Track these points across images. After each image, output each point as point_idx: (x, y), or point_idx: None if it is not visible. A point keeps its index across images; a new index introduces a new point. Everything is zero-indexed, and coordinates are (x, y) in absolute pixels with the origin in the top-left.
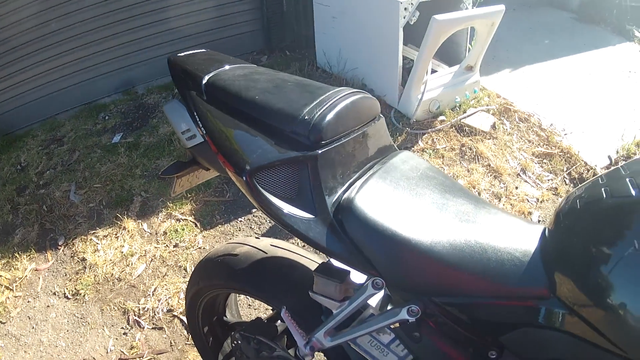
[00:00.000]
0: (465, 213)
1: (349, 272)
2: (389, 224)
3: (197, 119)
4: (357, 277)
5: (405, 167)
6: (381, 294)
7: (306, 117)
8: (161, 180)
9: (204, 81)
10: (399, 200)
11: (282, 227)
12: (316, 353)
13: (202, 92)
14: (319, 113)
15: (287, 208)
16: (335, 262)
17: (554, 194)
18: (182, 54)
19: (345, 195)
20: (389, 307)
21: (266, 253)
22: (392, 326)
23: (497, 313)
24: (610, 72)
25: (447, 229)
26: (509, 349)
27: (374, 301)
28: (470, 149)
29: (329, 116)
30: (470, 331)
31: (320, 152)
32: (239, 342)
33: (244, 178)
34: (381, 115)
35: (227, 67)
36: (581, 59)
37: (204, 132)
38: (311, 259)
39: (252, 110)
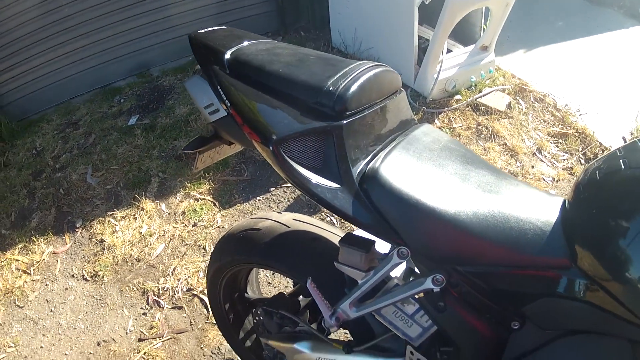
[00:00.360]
0: (488, 184)
1: (374, 242)
2: (414, 193)
3: (221, 93)
4: (382, 247)
5: (427, 139)
6: (403, 266)
7: (331, 88)
8: (179, 160)
9: (227, 56)
10: (423, 170)
11: (308, 196)
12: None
13: (225, 66)
14: (343, 84)
15: (313, 177)
16: (359, 233)
17: (569, 174)
18: (202, 31)
19: (370, 165)
20: (411, 279)
21: (289, 227)
22: (417, 296)
23: (519, 283)
24: (623, 54)
25: (470, 199)
26: (531, 319)
27: (398, 272)
28: (487, 127)
29: (353, 87)
30: (493, 301)
31: (345, 122)
32: (262, 317)
33: (271, 148)
34: (402, 89)
35: (248, 42)
36: (595, 41)
37: (229, 105)
38: (333, 232)
39: (276, 82)
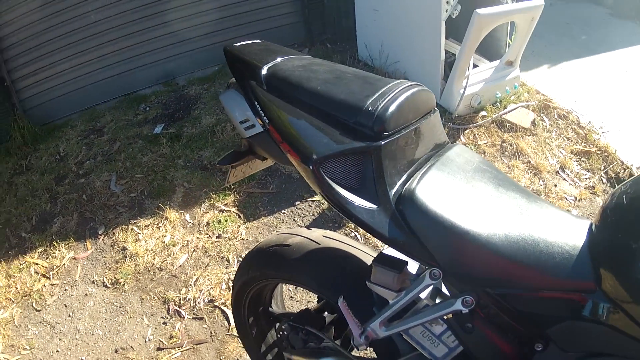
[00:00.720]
0: (519, 206)
1: (406, 262)
2: (448, 215)
3: (259, 109)
4: (414, 268)
5: (460, 160)
6: (432, 286)
7: (370, 109)
8: (204, 171)
9: (264, 71)
10: (457, 192)
11: (345, 216)
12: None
13: (261, 82)
14: (382, 104)
15: (350, 197)
16: (391, 253)
17: (591, 193)
18: (237, 44)
19: (406, 186)
20: (438, 300)
21: (319, 244)
22: (445, 317)
23: (546, 305)
24: None
25: (502, 222)
26: (554, 341)
27: (425, 293)
28: (511, 145)
29: (392, 108)
30: (520, 322)
31: (383, 143)
32: (286, 332)
33: (311, 167)
34: (436, 108)
35: (284, 57)
36: (617, 56)
37: (267, 121)
38: (363, 251)
39: (314, 100)
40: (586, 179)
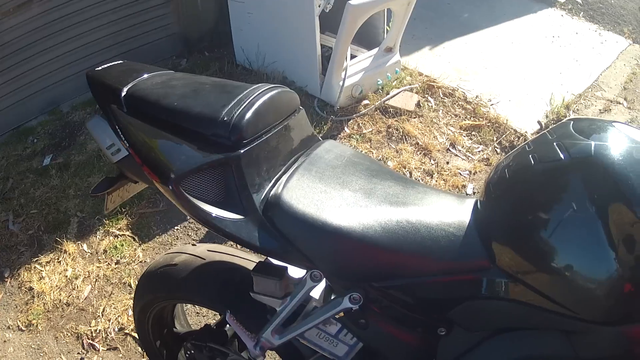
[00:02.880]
0: (394, 195)
1: (286, 268)
2: (317, 215)
3: (120, 133)
4: (296, 272)
5: (329, 157)
6: (322, 285)
7: (225, 118)
8: (94, 197)
9: (123, 93)
10: (326, 190)
11: (214, 231)
12: (270, 352)
13: (122, 104)
14: (237, 113)
15: (215, 211)
16: (273, 260)
17: (486, 165)
18: (99, 68)
19: (272, 192)
20: (332, 297)
21: (204, 259)
22: (337, 316)
23: (440, 290)
24: (533, 39)
25: (377, 213)
26: (458, 323)
27: (317, 293)
28: (397, 129)
29: (248, 114)
30: (415, 311)
31: (242, 151)
32: (192, 351)
33: (170, 187)
34: (301, 107)
35: (145, 75)
36: (503, 29)
37: (127, 145)
38: (250, 259)
39: (172, 117)
40: (479, 152)
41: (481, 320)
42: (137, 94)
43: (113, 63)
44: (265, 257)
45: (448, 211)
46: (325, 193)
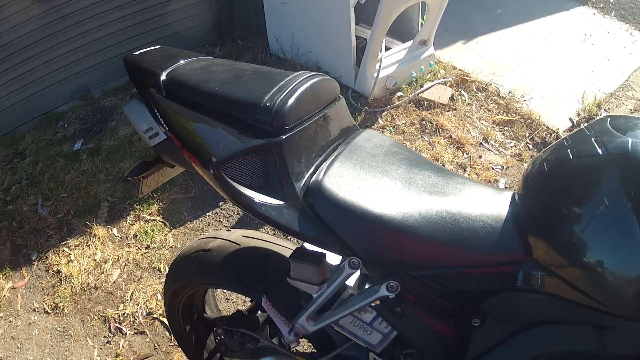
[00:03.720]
0: (434, 185)
1: (324, 254)
2: (358, 203)
3: (159, 117)
4: (333, 258)
5: (369, 145)
6: (358, 273)
7: (267, 104)
8: (126, 183)
9: (162, 77)
10: (367, 178)
11: (253, 216)
12: (301, 339)
13: (160, 88)
14: (279, 99)
15: (256, 197)
16: (310, 246)
17: (518, 160)
18: (137, 53)
19: (313, 179)
20: (367, 286)
21: (239, 245)
22: (373, 304)
23: (476, 281)
24: (565, 36)
25: (417, 203)
26: (491, 315)
27: (352, 281)
28: (431, 122)
29: (290, 101)
30: (450, 301)
31: (284, 137)
32: (222, 337)
33: (211, 171)
34: (341, 96)
35: (183, 61)
36: (535, 25)
37: (167, 129)
38: (285, 246)
39: (212, 102)
40: (511, 147)
41: (515, 313)
42: (176, 79)
43: (150, 48)
44: (301, 244)
45: (486, 203)
46: (366, 181)
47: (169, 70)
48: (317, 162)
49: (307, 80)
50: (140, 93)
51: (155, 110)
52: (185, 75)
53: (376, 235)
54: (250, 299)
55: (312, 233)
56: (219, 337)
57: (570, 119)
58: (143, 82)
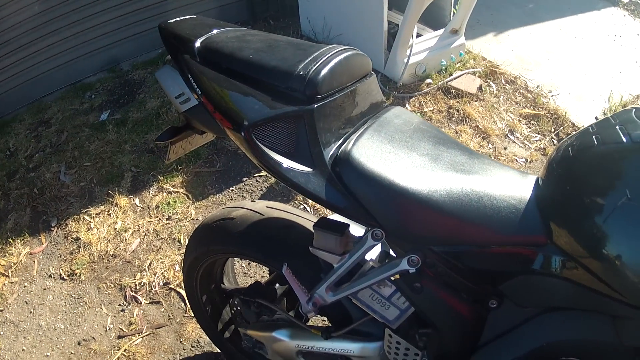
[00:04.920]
0: (460, 163)
1: (348, 225)
2: (386, 175)
3: (192, 82)
4: (356, 230)
5: (398, 121)
6: (378, 248)
7: (301, 73)
8: (151, 154)
9: (197, 44)
10: (395, 152)
11: (281, 181)
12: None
13: (195, 55)
14: (313, 68)
15: (285, 162)
16: (334, 216)
17: (542, 154)
18: (172, 20)
19: (342, 148)
20: (386, 261)
21: (263, 215)
22: (392, 278)
23: (495, 261)
24: (595, 35)
25: (443, 179)
26: (509, 297)
27: (372, 255)
28: (458, 110)
29: (324, 71)
30: (470, 280)
31: (316, 106)
32: (239, 307)
33: (242, 134)
34: (372, 72)
35: (218, 30)
36: (566, 23)
37: (200, 93)
38: (308, 219)
39: (246, 69)
40: (536, 141)
41: (533, 296)
42: (211, 46)
43: (185, 17)
44: (326, 215)
45: (511, 184)
46: (394, 154)
47: (204, 37)
48: (347, 134)
49: (341, 53)
50: (175, 59)
51: (189, 76)
52: (220, 42)
53: (401, 208)
54: (269, 272)
55: (338, 202)
56: (235, 308)
57: (596, 118)
58: (177, 49)
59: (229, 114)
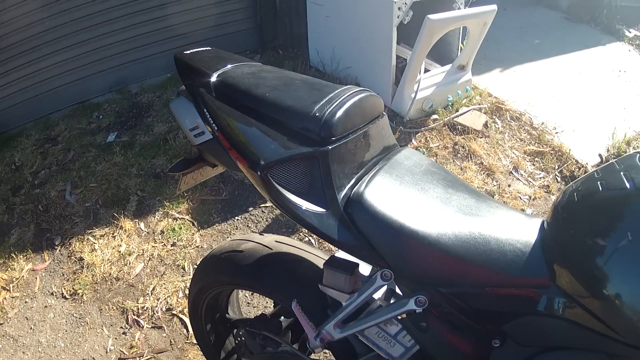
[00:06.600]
0: (468, 206)
1: (357, 264)
2: (397, 217)
3: (207, 116)
4: (365, 269)
5: (409, 163)
6: (385, 288)
7: (317, 114)
8: (157, 179)
9: (213, 79)
10: (405, 194)
11: (295, 221)
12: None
13: (211, 89)
14: (329, 110)
15: (299, 202)
16: (343, 255)
17: (545, 192)
18: (188, 52)
19: (355, 190)
20: (392, 300)
21: (271, 249)
22: (399, 317)
23: (500, 302)
24: (600, 71)
25: (451, 222)
26: (511, 337)
27: (379, 294)
28: (463, 147)
29: (339, 113)
30: (474, 320)
31: (330, 147)
32: (244, 338)
33: (259, 173)
34: (384, 113)
35: (233, 65)
36: (571, 58)
37: (215, 128)
38: (316, 254)
39: (262, 107)
40: (540, 178)
41: (535, 336)
42: (227, 81)
43: (201, 48)
44: (334, 253)
45: (517, 228)
46: (404, 197)
47: (219, 72)
48: (359, 175)
49: (355, 95)
50: (190, 91)
51: (205, 110)
52: (236, 78)
53: (411, 250)
54: (273, 305)
55: (349, 242)
56: (239, 338)
57: (600, 155)
58: (193, 81)
59: (245, 152)
